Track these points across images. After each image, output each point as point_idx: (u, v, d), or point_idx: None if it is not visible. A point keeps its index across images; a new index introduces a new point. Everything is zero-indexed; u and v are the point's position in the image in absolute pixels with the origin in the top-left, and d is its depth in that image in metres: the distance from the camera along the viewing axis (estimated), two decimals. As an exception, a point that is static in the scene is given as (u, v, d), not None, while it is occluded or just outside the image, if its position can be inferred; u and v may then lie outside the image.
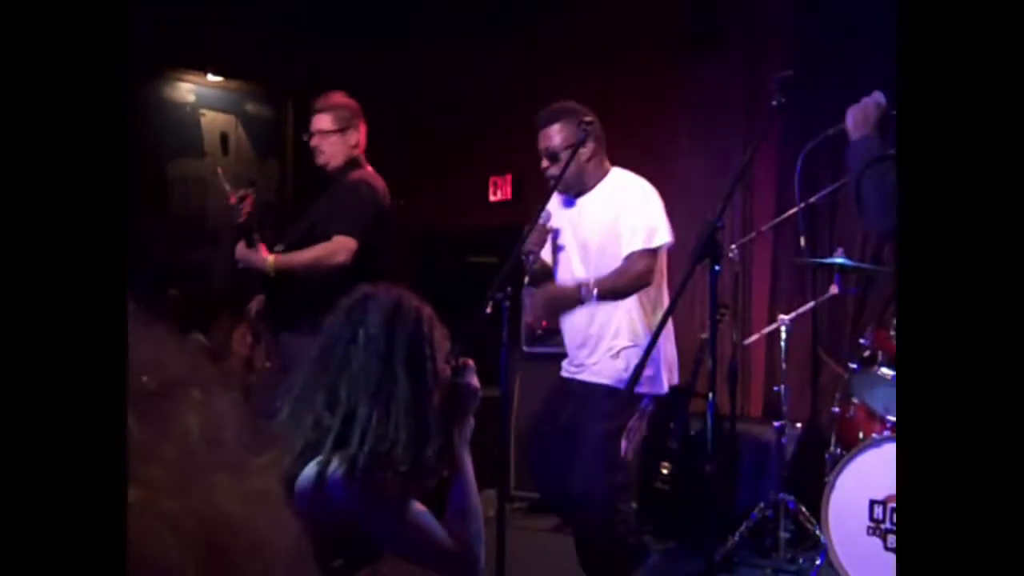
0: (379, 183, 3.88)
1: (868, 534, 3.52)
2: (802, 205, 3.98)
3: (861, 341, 3.93)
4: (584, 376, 3.45)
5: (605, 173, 3.49)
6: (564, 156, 3.38)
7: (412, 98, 6.15)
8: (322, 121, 3.89)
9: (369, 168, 3.94)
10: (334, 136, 3.88)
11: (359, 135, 3.92)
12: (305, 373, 2.01)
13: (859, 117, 2.43)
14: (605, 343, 3.39)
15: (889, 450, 3.50)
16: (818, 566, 3.81)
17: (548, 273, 3.56)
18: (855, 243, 4.72)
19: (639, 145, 4.79)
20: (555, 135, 3.42)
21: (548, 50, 5.94)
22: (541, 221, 3.35)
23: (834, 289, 4.24)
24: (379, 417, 1.91)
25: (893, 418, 3.73)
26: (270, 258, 3.71)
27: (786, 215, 4.46)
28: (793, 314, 4.31)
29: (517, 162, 5.67)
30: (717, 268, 2.49)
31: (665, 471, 4.59)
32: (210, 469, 0.57)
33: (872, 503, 3.52)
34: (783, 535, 4.12)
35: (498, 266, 3.11)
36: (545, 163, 3.46)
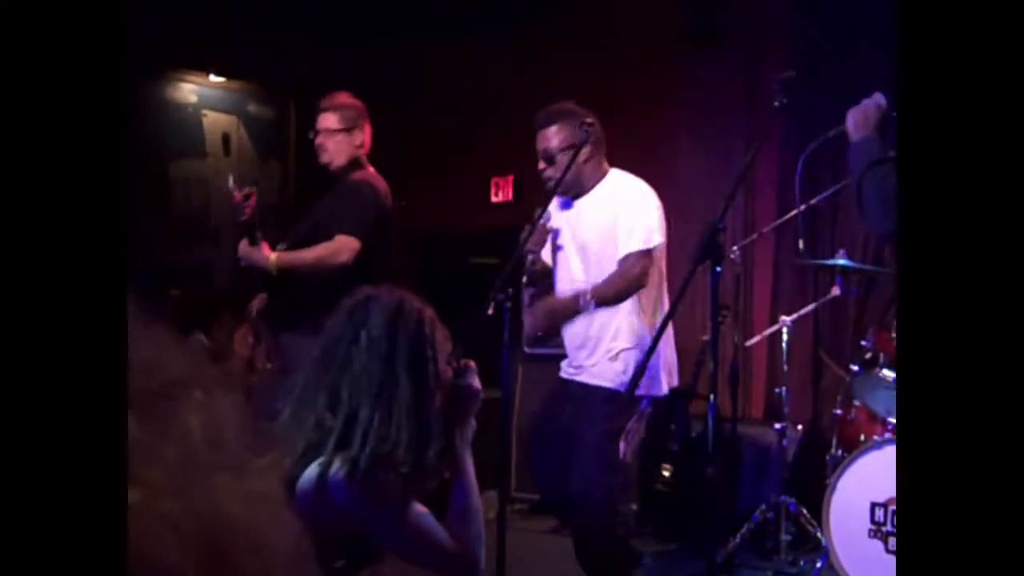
0: (381, 184, 3.89)
1: (869, 536, 3.52)
2: (803, 207, 3.98)
3: (863, 343, 3.93)
4: (583, 378, 3.44)
5: (603, 175, 3.49)
6: (560, 158, 3.38)
7: (412, 98, 6.15)
8: (328, 120, 3.91)
9: (371, 169, 3.95)
10: (339, 135, 3.89)
11: (364, 136, 3.93)
12: (307, 374, 2.01)
13: (859, 119, 2.43)
14: (604, 345, 3.39)
15: (890, 452, 3.49)
16: (819, 569, 3.80)
17: (548, 273, 3.56)
18: (857, 244, 4.72)
19: (639, 145, 4.79)
20: (552, 137, 3.42)
21: (548, 50, 5.94)
22: (540, 221, 3.35)
23: (836, 291, 4.23)
24: (381, 419, 1.91)
25: (895, 420, 3.73)
26: (273, 256, 3.72)
27: (787, 216, 4.46)
28: (795, 316, 4.31)
29: (519, 163, 5.67)
30: (718, 269, 2.48)
31: (666, 473, 4.59)
32: (211, 470, 0.57)
33: (873, 505, 3.52)
34: (784, 537, 4.12)
35: (499, 267, 3.11)
36: (542, 165, 3.46)
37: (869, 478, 3.53)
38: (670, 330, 3.38)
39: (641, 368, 2.77)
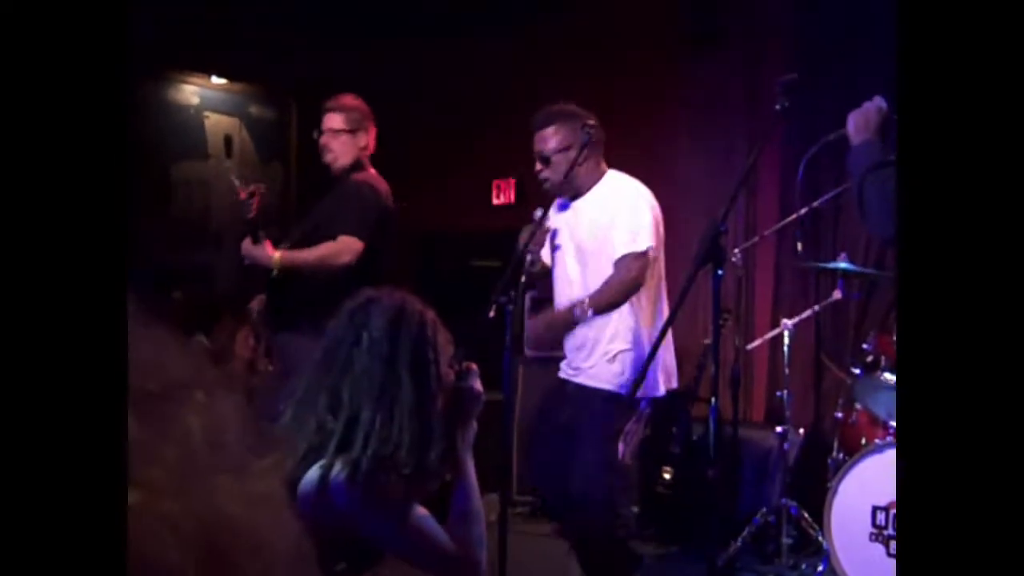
0: (382, 185, 3.90)
1: (870, 540, 3.52)
2: (804, 211, 3.98)
3: (864, 346, 3.93)
4: (581, 380, 3.44)
5: (601, 176, 3.48)
6: (556, 159, 3.38)
7: (412, 98, 6.15)
8: (333, 120, 3.92)
9: (372, 170, 3.96)
10: (344, 136, 3.91)
11: (368, 137, 3.95)
12: (308, 376, 2.01)
13: (860, 122, 2.42)
14: (602, 347, 3.39)
15: (891, 456, 3.49)
16: (820, 572, 3.80)
17: (547, 274, 3.57)
18: (858, 248, 4.72)
19: (639, 145, 4.79)
20: (550, 138, 3.42)
21: (548, 50, 5.94)
22: (538, 221, 3.35)
23: (837, 294, 4.23)
24: (382, 421, 1.91)
25: (896, 424, 3.72)
26: (276, 255, 3.73)
27: (789, 220, 4.45)
28: (796, 319, 4.31)
29: (521, 166, 5.66)
30: (720, 272, 2.48)
31: (667, 476, 4.59)
32: (212, 471, 0.57)
33: (875, 509, 3.52)
34: (785, 541, 4.11)
35: (501, 270, 3.11)
36: (539, 166, 3.46)
37: (870, 481, 3.53)
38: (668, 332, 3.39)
39: (641, 374, 2.77)
